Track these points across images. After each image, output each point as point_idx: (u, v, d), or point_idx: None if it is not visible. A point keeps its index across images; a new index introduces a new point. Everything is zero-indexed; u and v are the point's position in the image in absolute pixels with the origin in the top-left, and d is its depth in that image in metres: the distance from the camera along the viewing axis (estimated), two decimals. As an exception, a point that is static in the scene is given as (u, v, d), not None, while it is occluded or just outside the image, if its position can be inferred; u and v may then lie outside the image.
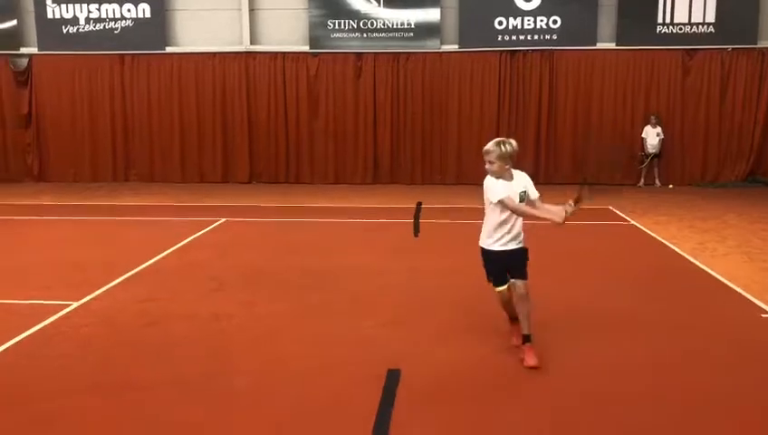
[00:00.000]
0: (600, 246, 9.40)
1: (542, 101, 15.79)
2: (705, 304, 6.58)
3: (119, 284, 7.20)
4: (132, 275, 7.54)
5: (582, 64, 15.63)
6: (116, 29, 16.00)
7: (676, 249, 8.89)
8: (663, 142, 15.42)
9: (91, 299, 6.62)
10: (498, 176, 4.84)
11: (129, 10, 15.92)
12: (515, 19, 15.50)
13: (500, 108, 15.85)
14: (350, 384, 4.66)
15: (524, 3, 15.48)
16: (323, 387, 4.62)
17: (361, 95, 16.01)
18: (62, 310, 6.24)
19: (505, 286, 5.06)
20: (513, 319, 5.21)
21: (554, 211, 4.96)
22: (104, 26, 16.01)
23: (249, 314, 6.26)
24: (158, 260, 8.27)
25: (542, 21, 15.47)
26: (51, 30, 16.01)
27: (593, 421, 4.15)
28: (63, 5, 15.93)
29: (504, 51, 15.65)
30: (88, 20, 15.98)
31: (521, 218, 4.98)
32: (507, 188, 4.84)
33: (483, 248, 5.06)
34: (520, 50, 15.64)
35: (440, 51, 15.71)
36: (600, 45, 15.52)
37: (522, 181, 4.99)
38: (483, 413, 4.28)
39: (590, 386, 4.64)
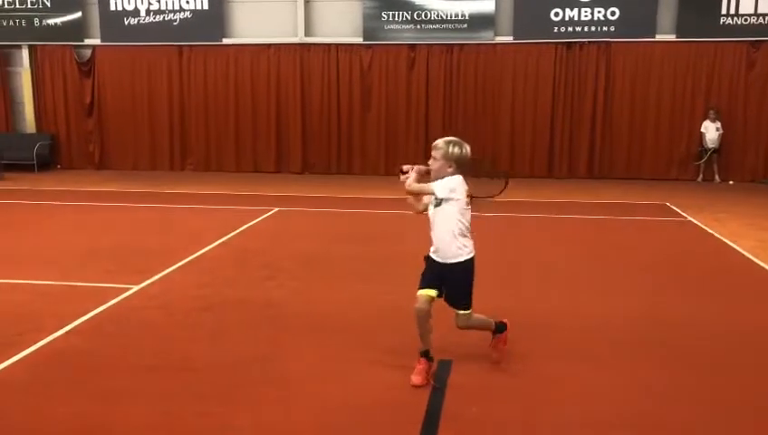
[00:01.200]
0: (656, 242, 9.21)
1: (597, 95, 15.50)
2: (765, 304, 6.41)
3: (176, 269, 7.42)
4: (189, 262, 7.75)
5: (641, 57, 15.26)
6: (175, 21, 16.36)
7: (736, 247, 8.65)
8: (722, 137, 14.96)
9: (149, 284, 6.85)
10: (436, 177, 4.48)
11: (188, 2, 16.25)
12: (572, 10, 15.23)
13: (554, 101, 15.62)
14: (401, 374, 4.70)
15: (582, -7, 15.20)
16: (375, 376, 4.68)
17: (414, 87, 16.00)
18: (122, 293, 6.48)
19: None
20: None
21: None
22: (164, 18, 16.38)
23: (302, 301, 6.38)
24: (214, 247, 8.48)
25: (599, 12, 15.17)
26: (113, 22, 16.48)
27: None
28: (125, -2, 16.39)
29: (559, 43, 15.41)
30: (149, 12, 16.39)
31: (438, 229, 4.62)
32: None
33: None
34: (576, 42, 15.37)
35: (494, 42, 15.57)
36: (659, 37, 15.13)
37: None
38: (533, 409, 4.28)
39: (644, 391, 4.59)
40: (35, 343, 5.17)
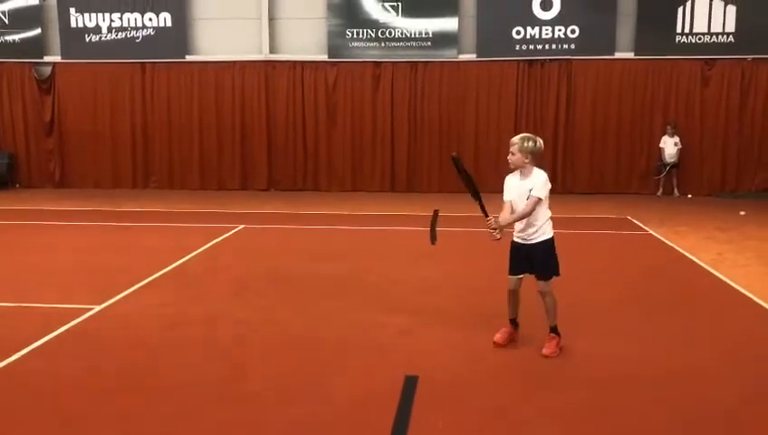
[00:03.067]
0: (617, 255, 9.37)
1: (559, 111, 15.79)
2: (725, 317, 6.55)
3: (139, 288, 7.30)
4: (152, 281, 7.63)
5: (601, 74, 15.61)
6: (137, 38, 16.23)
7: (695, 259, 8.84)
8: (681, 152, 15.34)
9: (112, 303, 6.73)
10: (518, 167, 5.25)
11: (150, 19, 16.14)
12: (533, 28, 15.52)
13: (517, 117, 15.86)
14: (368, 390, 4.69)
15: (543, 12, 15.50)
16: (341, 393, 4.65)
17: (379, 103, 16.10)
18: (84, 314, 6.34)
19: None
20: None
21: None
22: (126, 35, 16.24)
23: (267, 319, 6.32)
24: (178, 266, 8.37)
25: (560, 30, 15.48)
26: (74, 39, 16.27)
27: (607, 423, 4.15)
28: (87, 15, 16.19)
29: (522, 60, 15.67)
30: (110, 29, 16.22)
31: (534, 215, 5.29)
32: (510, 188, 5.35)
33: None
34: (538, 59, 15.65)
35: (458, 60, 15.77)
36: (618, 55, 15.50)
37: (531, 182, 5.23)
38: (501, 421, 4.29)
39: (604, 391, 4.64)
40: (-8, 367, 5.03)
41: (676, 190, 15.53)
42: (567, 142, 15.85)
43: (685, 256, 9.15)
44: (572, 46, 15.50)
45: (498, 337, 5.48)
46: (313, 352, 5.46)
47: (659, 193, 15.61)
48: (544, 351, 5.29)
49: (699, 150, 15.56)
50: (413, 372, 4.95)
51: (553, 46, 15.55)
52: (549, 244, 5.33)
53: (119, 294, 7.01)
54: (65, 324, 6.01)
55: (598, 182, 15.88)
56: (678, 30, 15.25)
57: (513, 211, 5.31)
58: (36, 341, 5.58)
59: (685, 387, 4.78)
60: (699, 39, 15.22)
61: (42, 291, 7.21)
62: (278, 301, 6.88)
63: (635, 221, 11.84)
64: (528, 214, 5.20)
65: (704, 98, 15.47)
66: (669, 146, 15.31)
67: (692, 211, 13.24)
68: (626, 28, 15.45)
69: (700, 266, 8.51)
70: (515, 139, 5.24)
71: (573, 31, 15.43)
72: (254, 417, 4.31)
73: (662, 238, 10.29)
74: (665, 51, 15.32)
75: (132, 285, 7.33)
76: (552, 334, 5.40)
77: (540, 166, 5.31)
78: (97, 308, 6.53)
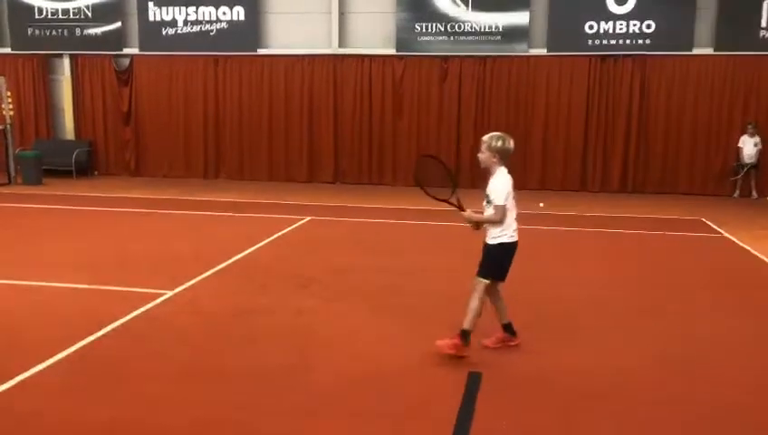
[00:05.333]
0: (692, 258, 9.06)
1: (632, 109, 15.35)
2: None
3: (209, 276, 7.51)
4: (221, 269, 7.84)
5: (677, 71, 15.09)
6: (211, 31, 16.63)
7: (775, 265, 8.48)
8: (761, 152, 14.69)
9: (183, 290, 6.95)
10: (485, 166, 5.22)
11: (224, 13, 16.51)
12: (607, 23, 15.12)
13: (588, 114, 15.51)
14: (431, 386, 4.70)
15: (617, 6, 15.08)
16: (403, 388, 4.67)
17: (446, 98, 16.01)
18: (157, 298, 6.58)
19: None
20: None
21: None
22: (200, 28, 16.66)
23: (331, 310, 6.40)
24: (246, 255, 8.57)
25: (635, 25, 15.04)
26: (151, 32, 16.81)
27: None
28: (164, 8, 16.69)
29: (594, 55, 15.31)
30: (186, 22, 16.68)
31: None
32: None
33: (506, 243, 5.18)
34: (611, 55, 15.25)
35: (528, 54, 15.53)
36: (696, 51, 14.94)
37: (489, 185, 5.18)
38: (568, 420, 4.23)
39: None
40: (70, 347, 5.27)
41: (754, 192, 14.88)
42: (639, 140, 15.39)
43: (762, 260, 8.77)
44: (648, 42, 15.03)
45: (488, 341, 5.36)
46: (375, 346, 5.50)
47: (736, 195, 15.00)
48: (439, 341, 5.12)
49: (781, 151, 14.87)
50: (476, 369, 4.92)
51: (627, 41, 15.12)
52: (493, 250, 5.16)
53: (190, 280, 7.23)
54: (139, 308, 6.25)
55: (671, 182, 15.38)
56: (763, 24, 14.57)
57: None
58: (112, 323, 5.83)
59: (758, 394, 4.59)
60: (785, 34, 14.52)
61: (117, 275, 7.51)
62: (341, 293, 6.96)
63: (709, 223, 11.42)
64: (496, 221, 5.09)
65: (787, 96, 14.76)
66: (749, 146, 14.68)
67: (772, 215, 12.66)
68: (705, 23, 14.87)
69: (780, 273, 8.15)
70: (485, 137, 5.19)
71: (649, 26, 14.96)
72: (318, 408, 4.38)
73: (738, 242, 9.89)
74: (746, 46, 14.67)
75: (202, 273, 7.55)
76: (459, 334, 5.11)
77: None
78: (169, 293, 6.76)
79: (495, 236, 5.14)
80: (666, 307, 6.68)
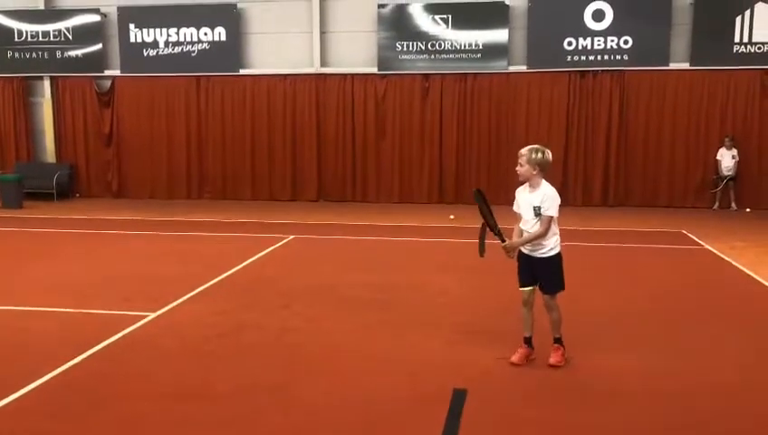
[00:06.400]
0: (673, 270, 9.15)
1: (611, 123, 15.53)
2: (785, 333, 6.34)
3: (192, 297, 7.47)
4: (205, 289, 7.81)
5: (655, 85, 15.31)
6: (193, 52, 16.65)
7: (755, 276, 8.57)
8: (739, 165, 14.91)
9: (166, 311, 6.91)
10: (525, 179, 5.25)
11: (205, 34, 16.55)
12: (585, 39, 15.34)
13: (569, 129, 15.67)
14: (415, 404, 4.70)
15: (594, 23, 15.31)
16: (388, 405, 4.67)
17: (428, 116, 16.12)
18: (139, 320, 6.53)
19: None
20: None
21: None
22: (182, 49, 16.67)
23: (316, 329, 6.39)
24: (230, 275, 8.53)
25: (612, 41, 15.26)
26: (132, 53, 16.80)
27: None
28: (145, 30, 16.70)
29: (573, 71, 15.51)
30: (167, 43, 16.69)
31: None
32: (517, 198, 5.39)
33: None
34: (590, 70, 15.46)
35: (508, 71, 15.70)
36: (673, 66, 15.19)
37: (538, 196, 5.22)
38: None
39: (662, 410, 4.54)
40: (53, 370, 5.21)
41: (733, 204, 15.08)
42: (620, 154, 15.57)
43: (742, 271, 8.88)
44: (625, 57, 15.26)
45: (515, 358, 5.37)
46: (360, 363, 5.49)
47: (716, 207, 15.19)
48: (551, 360, 5.29)
49: (758, 163, 15.09)
50: (461, 385, 4.93)
51: (606, 57, 15.34)
52: (555, 260, 5.30)
53: (173, 301, 7.20)
54: (122, 330, 6.20)
55: (652, 195, 15.54)
56: (737, 40, 14.86)
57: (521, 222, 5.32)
58: (95, 346, 5.78)
59: (731, 402, 4.64)
60: (759, 48, 14.79)
61: (100, 298, 7.45)
62: (325, 311, 6.95)
63: (690, 235, 11.55)
64: (543, 234, 5.17)
65: (763, 109, 15.01)
66: (727, 159, 14.90)
67: (750, 226, 12.83)
68: (681, 38, 15.13)
69: (759, 283, 8.25)
70: (524, 150, 5.23)
71: (626, 41, 15.20)
72: (304, 426, 4.36)
73: (719, 253, 10.01)
74: (722, 61, 14.93)
75: (186, 294, 7.51)
76: (557, 345, 5.38)
77: (547, 179, 5.28)
78: (152, 315, 6.71)
79: (553, 246, 5.28)
80: (650, 319, 6.73)
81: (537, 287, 5.38)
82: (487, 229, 5.39)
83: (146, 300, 7.25)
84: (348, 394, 4.85)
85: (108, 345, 5.84)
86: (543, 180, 5.23)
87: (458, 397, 4.75)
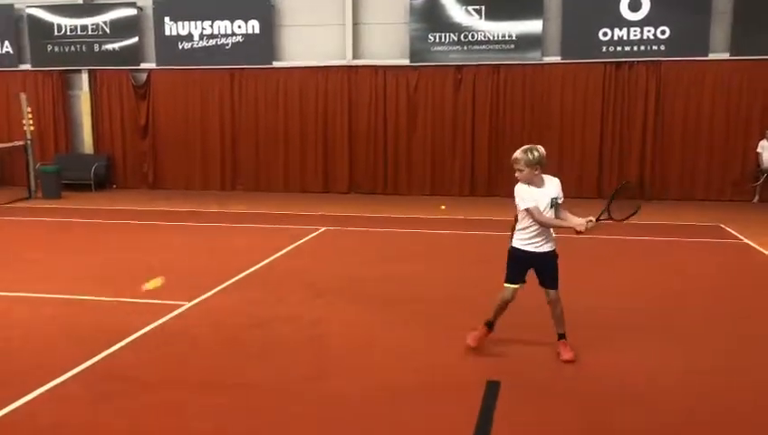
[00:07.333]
0: (711, 265, 8.97)
1: (648, 115, 15.27)
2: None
3: (226, 287, 7.57)
4: (239, 280, 7.89)
5: (693, 76, 14.99)
6: (227, 45, 16.79)
7: (795, 271, 8.38)
8: (780, 158, 14.55)
9: (201, 301, 7.00)
10: (528, 182, 5.11)
11: (239, 26, 16.68)
12: (621, 30, 15.08)
13: (603, 121, 15.45)
14: (448, 395, 4.70)
15: (631, 13, 15.05)
16: (421, 397, 4.68)
17: (460, 108, 16.03)
18: (175, 310, 6.64)
19: (518, 286, 5.33)
20: (492, 323, 5.47)
21: (575, 222, 5.08)
22: (216, 42, 16.83)
23: (347, 320, 6.42)
24: (263, 266, 8.62)
25: (649, 31, 14.98)
26: (168, 46, 17.00)
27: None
28: (180, 23, 16.89)
29: (608, 62, 15.27)
30: (202, 36, 16.86)
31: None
32: (536, 194, 5.10)
33: (514, 248, 5.31)
34: (626, 61, 15.21)
35: (542, 62, 15.52)
36: (712, 56, 14.85)
37: (553, 186, 5.20)
38: (590, 428, 4.21)
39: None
40: (92, 358, 5.33)
41: (774, 197, 14.73)
42: (656, 147, 15.31)
43: (783, 266, 8.69)
44: (662, 47, 14.97)
45: (471, 339, 5.46)
46: (392, 355, 5.51)
47: (755, 200, 14.85)
48: (567, 356, 5.24)
49: (800, 156, 14.71)
50: (495, 377, 4.92)
51: (642, 48, 15.07)
52: (556, 254, 5.32)
53: (207, 292, 7.29)
54: (158, 320, 6.31)
55: (688, 188, 15.26)
56: (779, 28, 14.47)
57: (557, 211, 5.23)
58: (131, 334, 5.89)
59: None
60: (803, 37, 14.39)
61: (136, 287, 7.57)
62: (357, 303, 6.98)
63: (728, 229, 11.31)
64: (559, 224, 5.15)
65: (807, 100, 14.62)
66: (767, 151, 14.55)
67: (792, 220, 12.52)
68: (721, 28, 14.78)
69: (800, 278, 8.06)
70: (518, 154, 5.09)
71: (663, 31, 14.90)
72: (335, 417, 4.39)
73: (758, 247, 9.79)
74: (764, 50, 14.55)
75: (219, 284, 7.61)
76: (564, 340, 5.34)
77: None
78: (187, 305, 6.81)
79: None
80: (687, 314, 6.63)
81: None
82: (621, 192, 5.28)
83: (181, 289, 7.35)
84: (380, 386, 4.86)
85: (144, 334, 5.95)
86: (543, 175, 5.17)
87: (492, 389, 4.74)
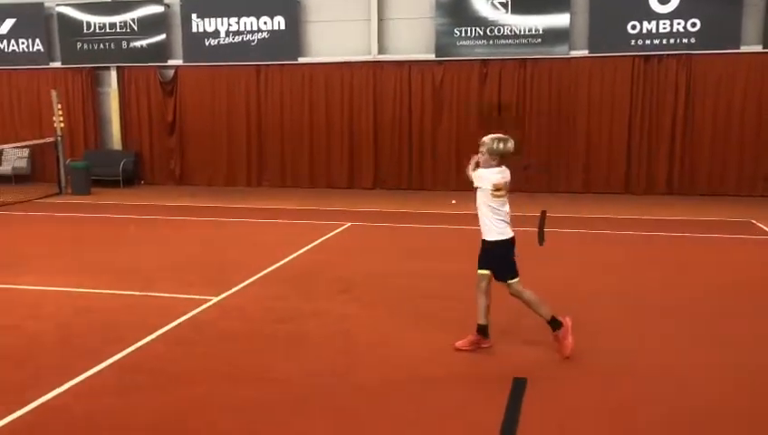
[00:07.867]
0: (741, 262, 8.82)
1: (677, 109, 15.03)
2: None
3: (253, 282, 7.62)
4: (265, 275, 7.95)
5: (724, 70, 14.72)
6: (253, 41, 16.88)
7: (830, 268, 8.20)
8: (814, 152, 14.24)
9: (228, 296, 7.06)
10: (484, 167, 5.32)
11: (265, 23, 16.75)
12: (650, 23, 14.86)
13: (632, 116, 15.24)
14: (475, 392, 4.69)
15: (660, 5, 14.82)
16: (448, 393, 4.67)
17: (486, 102, 15.94)
18: (202, 304, 6.70)
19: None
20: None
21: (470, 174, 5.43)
22: (242, 39, 16.92)
23: (374, 315, 6.43)
24: (289, 261, 8.66)
25: (679, 24, 14.75)
26: (195, 43, 17.14)
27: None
28: (207, 20, 17.02)
29: (637, 56, 15.06)
30: (228, 33, 16.97)
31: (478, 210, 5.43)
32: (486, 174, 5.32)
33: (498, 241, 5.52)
34: (655, 55, 14.99)
35: (569, 56, 15.36)
36: (744, 49, 14.57)
37: (499, 174, 5.33)
38: (618, 426, 4.17)
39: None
40: (121, 351, 5.41)
41: (807, 193, 14.42)
42: (685, 142, 15.06)
43: (817, 263, 8.51)
44: (693, 40, 14.72)
45: (459, 343, 5.40)
46: (418, 350, 5.50)
47: (788, 195, 14.56)
48: (567, 352, 5.15)
49: (835, 150, 14.38)
50: (522, 374, 4.89)
51: (672, 41, 14.83)
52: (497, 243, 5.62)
53: (234, 286, 7.35)
54: (186, 314, 6.38)
55: (718, 183, 15.00)
56: (814, 20, 14.15)
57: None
58: (161, 328, 5.96)
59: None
60: (838, 29, 14.06)
61: (164, 282, 7.67)
62: (383, 299, 6.98)
63: (760, 225, 11.11)
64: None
65: (841, 93, 14.28)
66: (800, 145, 14.25)
67: (826, 216, 12.25)
68: (753, 19, 14.49)
69: (835, 275, 7.89)
70: (486, 139, 5.25)
71: (694, 24, 14.66)
72: (363, 408, 4.40)
73: (791, 244, 9.61)
74: (798, 43, 14.27)
75: (246, 279, 7.66)
76: (556, 331, 5.21)
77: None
78: (214, 299, 6.88)
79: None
80: (728, 312, 6.53)
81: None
82: (546, 217, 5.36)
83: (208, 284, 7.42)
84: (407, 381, 4.86)
85: (174, 328, 6.02)
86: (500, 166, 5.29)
87: (518, 385, 4.71)
